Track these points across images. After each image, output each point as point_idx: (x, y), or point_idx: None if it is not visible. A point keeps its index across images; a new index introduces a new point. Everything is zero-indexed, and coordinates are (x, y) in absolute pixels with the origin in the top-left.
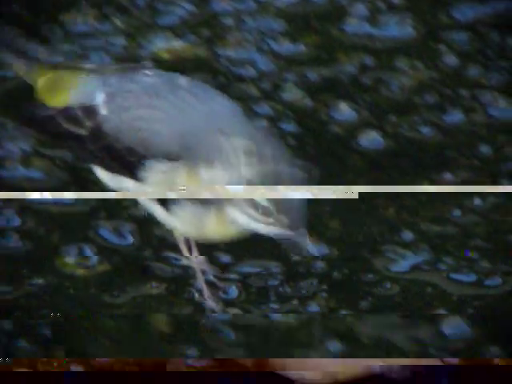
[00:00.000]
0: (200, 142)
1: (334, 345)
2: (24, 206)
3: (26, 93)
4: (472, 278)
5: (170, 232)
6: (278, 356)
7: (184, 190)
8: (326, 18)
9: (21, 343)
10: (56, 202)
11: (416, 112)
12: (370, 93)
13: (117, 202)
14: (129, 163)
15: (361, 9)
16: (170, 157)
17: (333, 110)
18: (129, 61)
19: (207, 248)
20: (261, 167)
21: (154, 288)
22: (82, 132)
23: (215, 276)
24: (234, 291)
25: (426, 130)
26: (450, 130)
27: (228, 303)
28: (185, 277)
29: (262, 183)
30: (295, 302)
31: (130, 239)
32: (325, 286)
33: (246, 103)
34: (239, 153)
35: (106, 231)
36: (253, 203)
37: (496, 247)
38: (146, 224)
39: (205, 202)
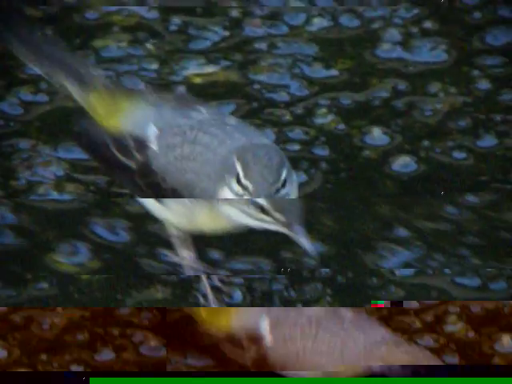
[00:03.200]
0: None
1: None
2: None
3: (59, 117)
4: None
5: (163, 229)
6: None
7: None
8: (358, 43)
9: None
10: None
11: (449, 137)
12: (403, 117)
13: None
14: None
15: (394, 33)
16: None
17: (366, 135)
18: (161, 86)
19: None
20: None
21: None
22: (132, 165)
23: (220, 280)
24: (238, 295)
25: (458, 155)
26: (483, 155)
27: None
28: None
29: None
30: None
31: (124, 236)
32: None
33: (278, 128)
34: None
35: (99, 228)
36: (249, 201)
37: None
38: (141, 221)
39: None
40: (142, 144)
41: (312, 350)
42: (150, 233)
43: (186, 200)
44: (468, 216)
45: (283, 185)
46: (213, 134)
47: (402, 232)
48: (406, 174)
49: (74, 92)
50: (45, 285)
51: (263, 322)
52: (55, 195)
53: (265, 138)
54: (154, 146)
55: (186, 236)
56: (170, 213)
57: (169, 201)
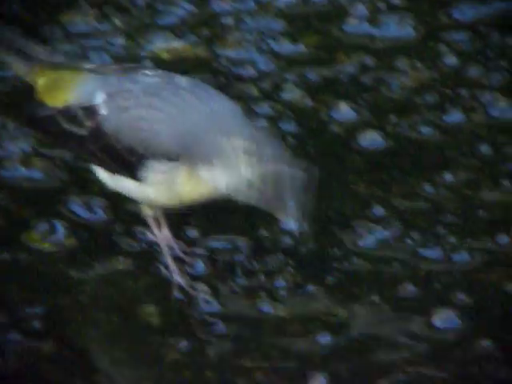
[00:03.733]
0: (200, 142)
1: None
2: None
3: (25, 93)
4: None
5: (139, 208)
6: None
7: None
8: (326, 18)
9: None
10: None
11: (416, 112)
12: (370, 93)
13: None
14: (129, 163)
15: (361, 9)
16: (170, 157)
17: (333, 110)
18: (129, 61)
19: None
20: (261, 167)
21: (122, 263)
22: (83, 132)
23: (183, 251)
24: (201, 266)
25: (426, 130)
26: (450, 130)
27: (195, 278)
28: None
29: (262, 183)
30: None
31: (101, 214)
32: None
33: (246, 103)
34: (239, 152)
35: (76, 206)
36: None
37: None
38: (118, 199)
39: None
40: (90, 110)
41: (148, 118)
42: (127, 211)
43: (161, 166)
44: (445, 194)
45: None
46: (169, 99)
47: (379, 211)
48: (373, 150)
49: (20, 71)
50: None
51: (99, 94)
52: (23, 171)
53: (220, 98)
54: (103, 110)
55: (162, 215)
56: (148, 187)
57: (144, 173)
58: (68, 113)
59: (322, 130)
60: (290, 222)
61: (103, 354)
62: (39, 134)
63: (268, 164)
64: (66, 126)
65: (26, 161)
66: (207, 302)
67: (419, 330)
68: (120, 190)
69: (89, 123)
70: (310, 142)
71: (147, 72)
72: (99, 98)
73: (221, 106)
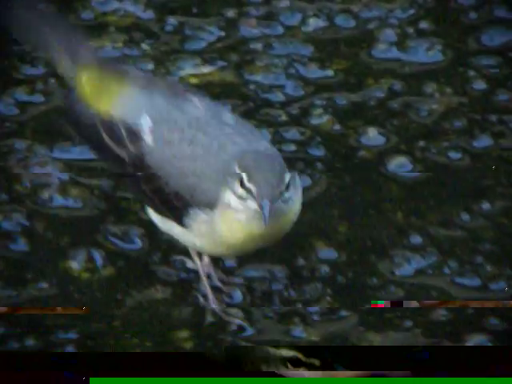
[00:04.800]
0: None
1: None
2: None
3: (55, 119)
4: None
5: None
6: None
7: None
8: (354, 43)
9: None
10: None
11: (445, 137)
12: (398, 118)
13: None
14: (174, 207)
15: (389, 34)
16: (210, 202)
17: (361, 136)
18: None
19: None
20: None
21: (159, 292)
22: (123, 154)
23: (221, 280)
24: (238, 295)
25: (454, 155)
26: (479, 155)
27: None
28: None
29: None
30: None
31: (139, 243)
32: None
33: (274, 128)
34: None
35: (114, 235)
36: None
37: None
38: (154, 228)
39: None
40: (135, 135)
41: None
42: (164, 240)
43: (202, 215)
44: (482, 223)
45: (287, 188)
46: (212, 135)
47: (417, 239)
48: (402, 175)
49: (64, 68)
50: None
51: (144, 117)
52: (60, 199)
53: (264, 140)
54: (148, 138)
55: None
56: (192, 234)
57: (189, 221)
58: (111, 128)
59: (350, 155)
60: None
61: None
62: (79, 140)
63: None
64: (107, 140)
65: (63, 189)
66: (242, 327)
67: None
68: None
69: (132, 148)
70: (339, 167)
71: (196, 100)
72: (144, 123)
73: (257, 143)
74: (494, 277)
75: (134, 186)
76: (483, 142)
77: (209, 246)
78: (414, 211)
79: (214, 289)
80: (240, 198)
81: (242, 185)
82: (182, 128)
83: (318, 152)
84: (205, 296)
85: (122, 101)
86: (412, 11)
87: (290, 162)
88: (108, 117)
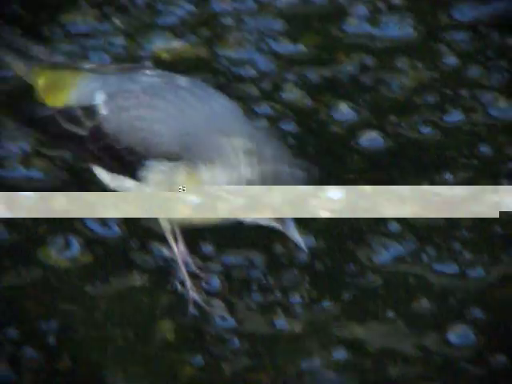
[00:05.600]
0: (200, 142)
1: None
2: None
3: (26, 93)
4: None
5: (156, 223)
6: None
7: (184, 190)
8: (326, 18)
9: None
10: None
11: (416, 112)
12: (370, 93)
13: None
14: (129, 163)
15: (361, 9)
16: (170, 157)
17: (333, 110)
18: (129, 61)
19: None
20: (261, 167)
21: (138, 279)
22: (82, 132)
23: (198, 267)
24: (216, 282)
25: (426, 130)
26: (450, 130)
27: (210, 294)
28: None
29: (262, 183)
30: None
31: (117, 230)
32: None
33: (246, 103)
34: (239, 152)
35: (92, 222)
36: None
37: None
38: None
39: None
40: (90, 110)
41: (148, 118)
42: (142, 227)
43: (160, 166)
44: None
45: None
46: (169, 99)
47: (394, 226)
48: (374, 150)
49: (19, 71)
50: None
51: (99, 94)
52: (23, 170)
53: (220, 97)
54: (103, 110)
55: (178, 230)
56: (148, 188)
57: (147, 173)
58: (68, 113)
59: (322, 130)
60: (296, 236)
61: (118, 369)
62: (38, 134)
63: (268, 163)
64: (66, 126)
65: (25, 161)
66: (223, 317)
67: (434, 345)
68: (120, 191)
69: (89, 123)
70: (310, 141)
71: (147, 72)
72: (99, 98)
73: (221, 106)
74: (471, 263)
75: (80, 146)
76: (454, 116)
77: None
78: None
79: (192, 276)
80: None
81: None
82: (137, 95)
83: (290, 127)
84: (182, 283)
85: (76, 88)
86: None
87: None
88: (65, 105)
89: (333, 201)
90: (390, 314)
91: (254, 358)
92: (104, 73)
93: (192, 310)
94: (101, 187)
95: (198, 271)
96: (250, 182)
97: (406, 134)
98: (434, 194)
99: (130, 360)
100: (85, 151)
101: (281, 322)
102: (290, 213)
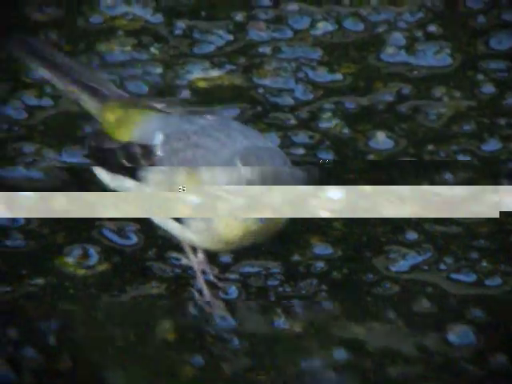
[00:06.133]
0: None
1: None
2: None
3: (63, 122)
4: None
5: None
6: None
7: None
8: (363, 47)
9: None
10: None
11: (454, 141)
12: (407, 122)
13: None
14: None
15: (398, 37)
16: None
17: (370, 139)
18: (166, 90)
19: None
20: (261, 167)
21: (155, 288)
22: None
23: (216, 276)
24: (234, 291)
25: (463, 159)
26: (488, 159)
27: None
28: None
29: (262, 183)
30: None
31: (134, 239)
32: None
33: (283, 132)
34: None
35: (109, 231)
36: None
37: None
38: (150, 224)
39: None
40: (148, 150)
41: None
42: (160, 236)
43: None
44: (477, 219)
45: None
46: (215, 137)
47: (412, 235)
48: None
49: (88, 105)
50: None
51: (158, 134)
52: (23, 170)
53: (268, 142)
54: (159, 151)
55: None
56: (190, 231)
57: (187, 219)
58: (127, 149)
59: (359, 159)
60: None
61: (118, 370)
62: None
63: (268, 164)
64: (125, 162)
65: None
66: (223, 318)
67: (434, 345)
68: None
69: (144, 162)
70: (349, 170)
71: (208, 117)
72: (158, 139)
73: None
74: (489, 273)
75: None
76: (492, 145)
77: (206, 242)
78: None
79: (210, 284)
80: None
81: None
82: (188, 136)
83: (327, 156)
84: (200, 291)
85: (140, 126)
86: (421, 15)
87: (299, 166)
88: (128, 143)
89: (333, 201)
90: (391, 314)
91: (254, 358)
92: (169, 113)
93: (192, 310)
94: (101, 187)
95: (215, 280)
96: (250, 182)
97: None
98: (434, 194)
99: (130, 360)
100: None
101: (280, 321)
102: (290, 213)
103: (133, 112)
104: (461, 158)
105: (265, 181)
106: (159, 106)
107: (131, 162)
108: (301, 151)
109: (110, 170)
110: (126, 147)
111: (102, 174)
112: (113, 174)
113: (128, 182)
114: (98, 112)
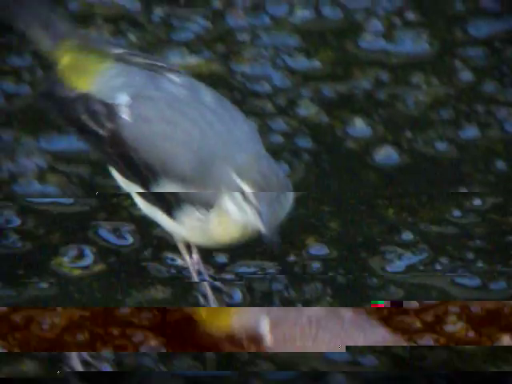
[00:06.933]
0: (212, 170)
1: None
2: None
3: (41, 110)
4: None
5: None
6: None
7: None
8: (341, 34)
9: None
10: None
11: (432, 128)
12: (385, 108)
13: (117, 202)
14: (143, 176)
15: (376, 25)
16: (184, 179)
17: (348, 126)
18: None
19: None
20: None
21: (152, 289)
22: (102, 132)
23: (211, 276)
24: (238, 295)
25: (441, 146)
26: (466, 146)
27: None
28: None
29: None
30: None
31: (130, 239)
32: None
33: (261, 119)
34: (247, 191)
35: (105, 232)
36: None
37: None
38: (146, 224)
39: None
40: (112, 111)
41: (312, 350)
42: (156, 236)
43: (197, 213)
44: (473, 219)
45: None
46: (192, 118)
47: (408, 236)
48: (389, 166)
49: (44, 44)
50: (45, 285)
51: (263, 321)
52: (38, 186)
53: (244, 123)
54: (125, 115)
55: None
56: (183, 228)
57: (181, 215)
58: (88, 104)
59: (337, 146)
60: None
61: None
62: (56, 116)
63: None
64: (85, 118)
65: (41, 177)
66: None
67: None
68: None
69: (109, 124)
70: (326, 157)
71: (174, 78)
72: (122, 99)
73: (239, 130)
74: (487, 274)
75: (97, 145)
76: (470, 132)
77: (198, 238)
78: (405, 208)
79: (214, 289)
80: (239, 206)
81: (244, 197)
82: (160, 107)
83: (305, 143)
84: (205, 296)
85: (100, 78)
86: (399, 1)
87: (278, 153)
88: (86, 95)
89: None
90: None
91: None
92: (130, 64)
93: None
94: (128, 212)
95: (220, 284)
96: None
97: (422, 150)
98: None
99: None
100: (102, 152)
101: None
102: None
103: (92, 58)
104: (438, 145)
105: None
106: (118, 51)
107: (93, 119)
108: (279, 138)
109: (125, 176)
110: (86, 100)
111: (117, 176)
112: (127, 181)
113: (165, 220)
114: (52, 52)
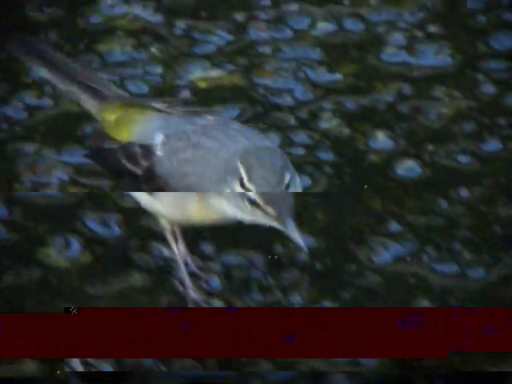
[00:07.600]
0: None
1: None
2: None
3: (63, 122)
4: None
5: (156, 223)
6: None
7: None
8: (363, 47)
9: None
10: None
11: (453, 141)
12: (407, 121)
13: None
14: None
15: (398, 38)
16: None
17: (370, 139)
18: (166, 90)
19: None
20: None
21: (137, 279)
22: (138, 171)
23: (198, 267)
24: (216, 282)
25: (463, 159)
26: (488, 159)
27: (210, 294)
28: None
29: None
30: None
31: (117, 230)
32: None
33: (283, 132)
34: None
35: (92, 222)
36: (241, 195)
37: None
38: (133, 215)
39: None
40: (148, 150)
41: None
42: (142, 227)
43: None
44: (460, 210)
45: (286, 188)
46: (215, 137)
47: (395, 226)
48: (411, 178)
49: (88, 105)
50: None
51: (158, 134)
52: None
53: (268, 142)
54: (159, 151)
55: (178, 230)
56: (160, 204)
57: (160, 193)
58: (127, 149)
59: (359, 159)
60: (295, 236)
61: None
62: (100, 167)
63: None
64: (124, 162)
65: (62, 189)
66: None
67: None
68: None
69: (144, 163)
70: (347, 170)
71: (208, 117)
72: (158, 138)
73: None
74: (471, 263)
75: (134, 184)
76: (492, 145)
77: (176, 217)
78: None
79: (192, 275)
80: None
81: (242, 185)
82: (188, 136)
83: (327, 156)
84: (182, 283)
85: (140, 126)
86: (421, 15)
87: (299, 166)
88: (127, 142)
89: None
90: None
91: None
92: (170, 113)
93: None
94: (116, 205)
95: (197, 271)
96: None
97: (444, 163)
98: None
99: None
100: (138, 190)
101: None
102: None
103: (133, 112)
104: (460, 158)
105: (270, 202)
106: (159, 105)
107: (131, 161)
108: (301, 151)
109: (115, 174)
110: (126, 147)
111: (136, 194)
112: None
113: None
114: (97, 112)
